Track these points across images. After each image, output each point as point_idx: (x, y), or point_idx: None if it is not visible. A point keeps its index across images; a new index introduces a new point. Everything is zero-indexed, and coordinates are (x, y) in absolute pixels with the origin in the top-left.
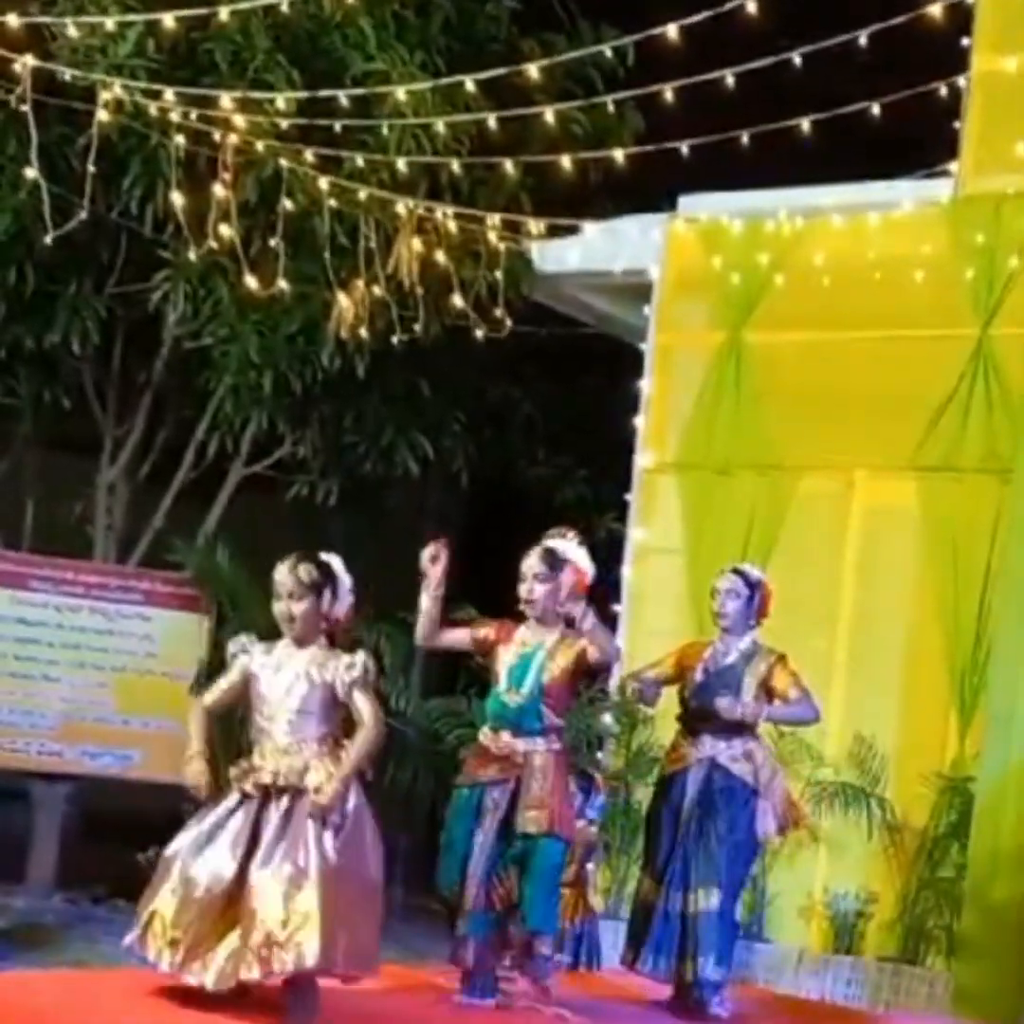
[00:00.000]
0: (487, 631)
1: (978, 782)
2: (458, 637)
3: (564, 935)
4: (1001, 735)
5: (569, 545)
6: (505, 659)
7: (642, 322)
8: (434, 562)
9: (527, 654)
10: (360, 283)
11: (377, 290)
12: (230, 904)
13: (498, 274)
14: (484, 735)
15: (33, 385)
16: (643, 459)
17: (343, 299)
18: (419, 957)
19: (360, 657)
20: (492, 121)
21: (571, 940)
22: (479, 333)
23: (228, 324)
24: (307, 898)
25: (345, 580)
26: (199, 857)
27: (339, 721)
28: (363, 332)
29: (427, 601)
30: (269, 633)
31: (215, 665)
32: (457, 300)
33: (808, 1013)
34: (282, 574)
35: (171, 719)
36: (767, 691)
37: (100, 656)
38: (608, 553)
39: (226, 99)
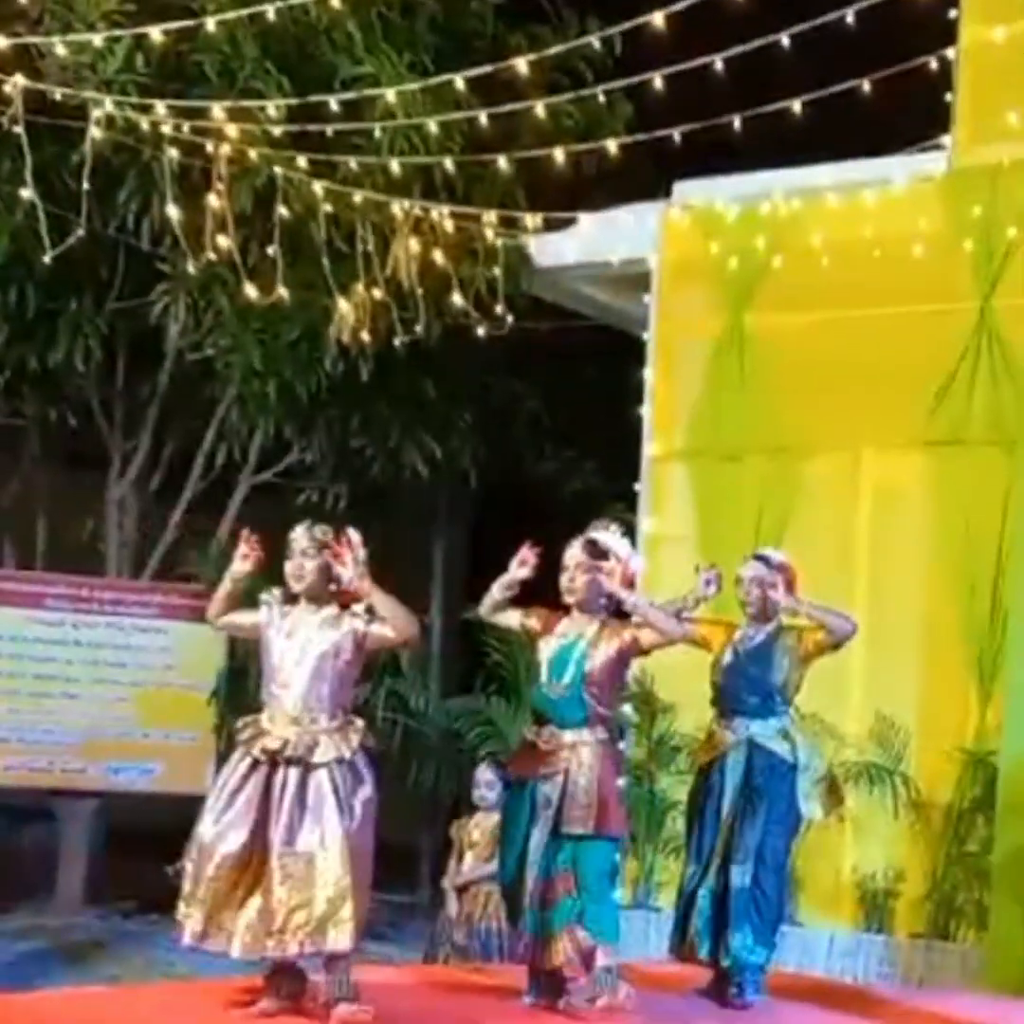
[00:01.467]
0: (534, 621)
1: (1001, 754)
2: (510, 619)
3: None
4: (1022, 706)
5: (612, 537)
6: (545, 652)
7: (643, 311)
8: (521, 565)
9: (567, 645)
10: (359, 287)
11: (377, 293)
12: (245, 873)
13: (497, 270)
14: (530, 730)
15: (39, 405)
16: (650, 448)
17: (343, 303)
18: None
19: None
20: (483, 118)
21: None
22: (480, 331)
23: (230, 334)
24: (339, 880)
25: (360, 551)
26: (214, 828)
27: (351, 695)
28: (365, 335)
29: (497, 592)
30: None
31: (233, 675)
32: (457, 299)
33: (841, 997)
34: (297, 533)
35: (192, 730)
36: (802, 658)
37: (119, 671)
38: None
39: (217, 109)
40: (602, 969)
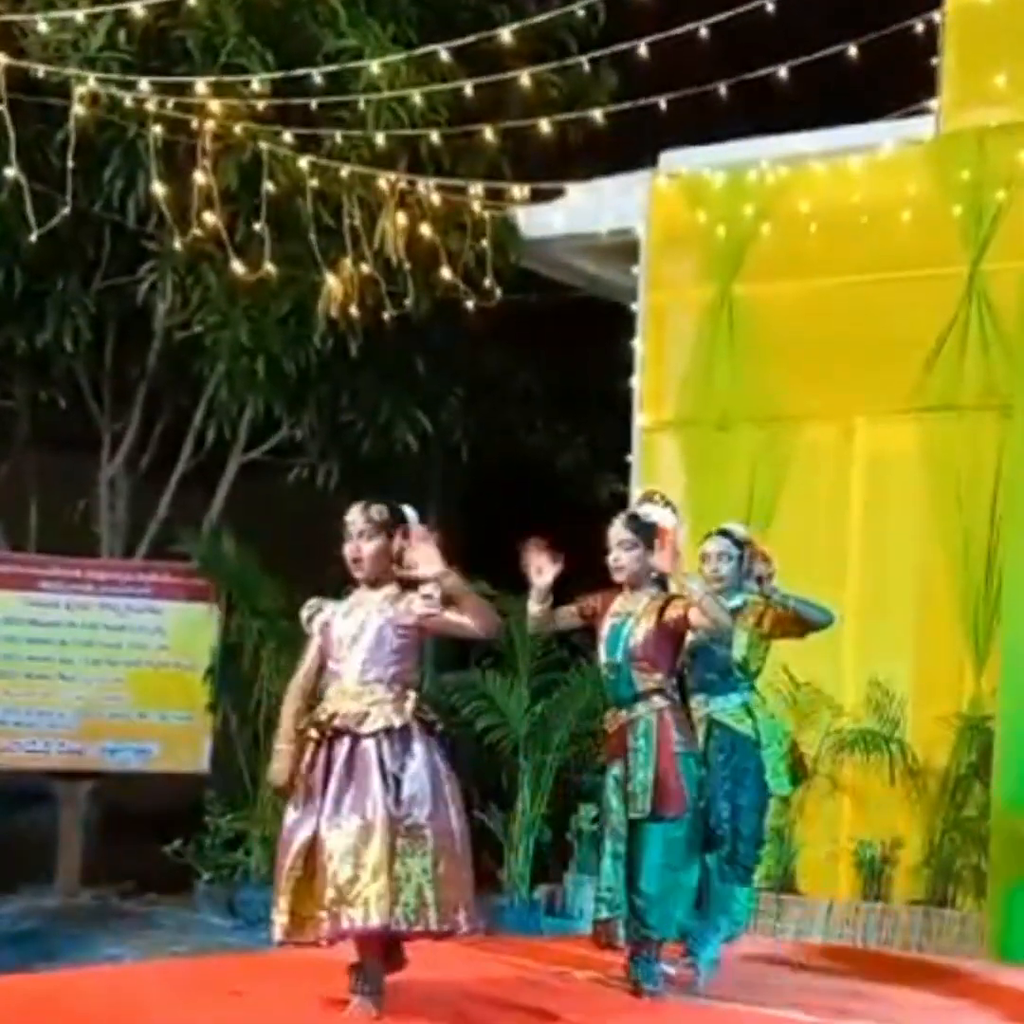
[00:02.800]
0: (593, 602)
1: (997, 719)
2: (568, 618)
3: None
4: (1017, 670)
5: (655, 508)
6: (602, 633)
7: (631, 282)
8: (539, 573)
9: (618, 624)
10: (347, 262)
11: (365, 268)
12: (313, 857)
13: (484, 243)
14: (606, 715)
15: (28, 386)
16: (641, 419)
17: (331, 279)
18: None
19: (428, 587)
20: (468, 89)
21: None
22: (470, 304)
23: (218, 311)
24: (373, 853)
25: (417, 527)
26: (292, 818)
27: (410, 666)
28: (353, 311)
29: (535, 608)
30: (276, 615)
31: (227, 653)
32: (445, 272)
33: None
34: (353, 514)
35: (187, 710)
36: (765, 635)
37: (113, 652)
38: (612, 515)
39: (201, 85)
40: (643, 960)
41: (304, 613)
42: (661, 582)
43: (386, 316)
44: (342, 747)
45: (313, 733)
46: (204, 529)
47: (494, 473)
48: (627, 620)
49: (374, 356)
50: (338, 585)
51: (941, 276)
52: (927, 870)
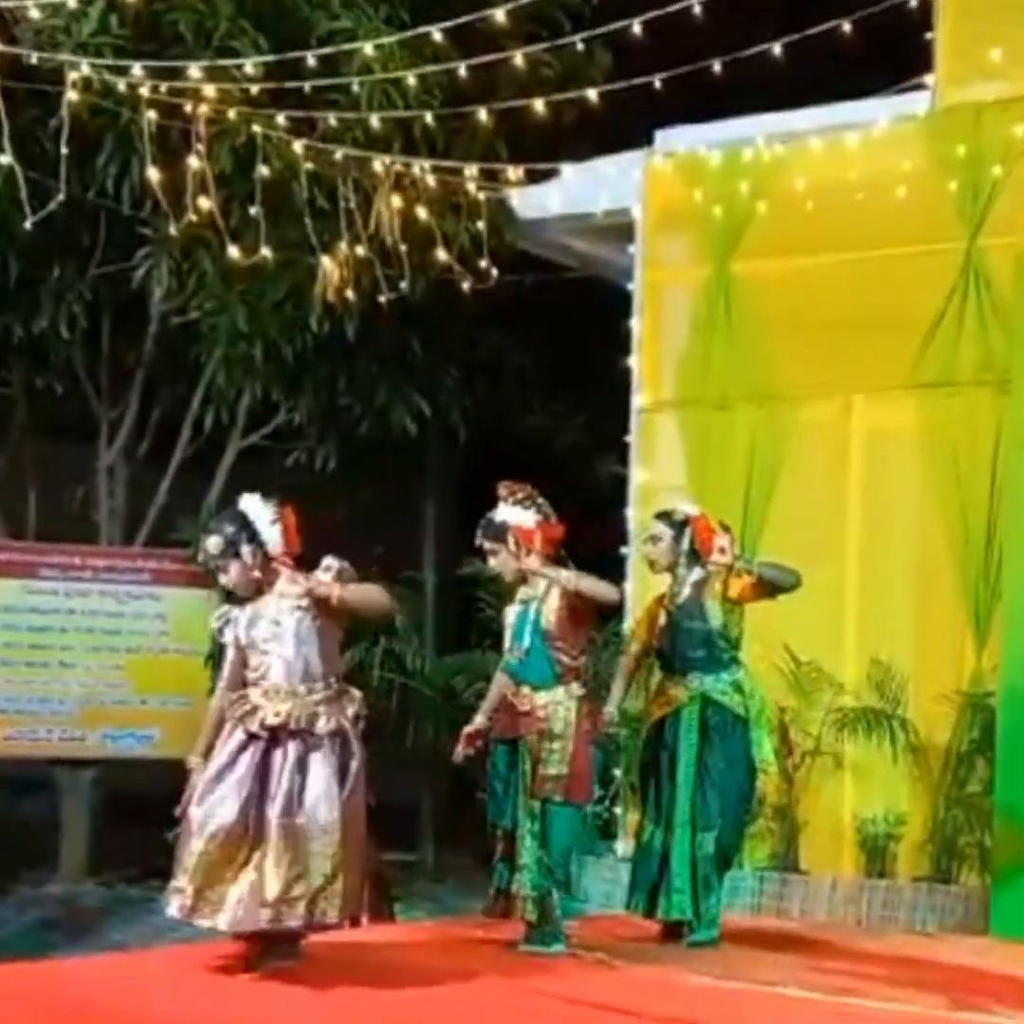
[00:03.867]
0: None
1: (999, 695)
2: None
3: None
4: (1018, 645)
5: (504, 507)
6: (509, 621)
7: (628, 262)
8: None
9: (523, 609)
10: (343, 245)
11: (360, 250)
12: (239, 847)
13: (480, 225)
14: (510, 691)
15: (24, 374)
16: (639, 399)
17: (327, 262)
18: (454, 914)
19: (328, 559)
20: (462, 70)
21: None
22: (465, 286)
23: (214, 296)
24: (335, 854)
25: (261, 514)
26: (205, 802)
27: (341, 664)
28: (350, 294)
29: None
30: None
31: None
32: (441, 254)
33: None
34: (203, 554)
35: (188, 696)
36: (734, 602)
37: (114, 639)
38: (612, 496)
39: (194, 69)
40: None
41: (214, 624)
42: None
43: (382, 299)
44: (291, 748)
45: (260, 731)
46: (203, 515)
47: (492, 454)
48: (531, 603)
49: (371, 339)
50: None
51: (938, 252)
52: (930, 847)
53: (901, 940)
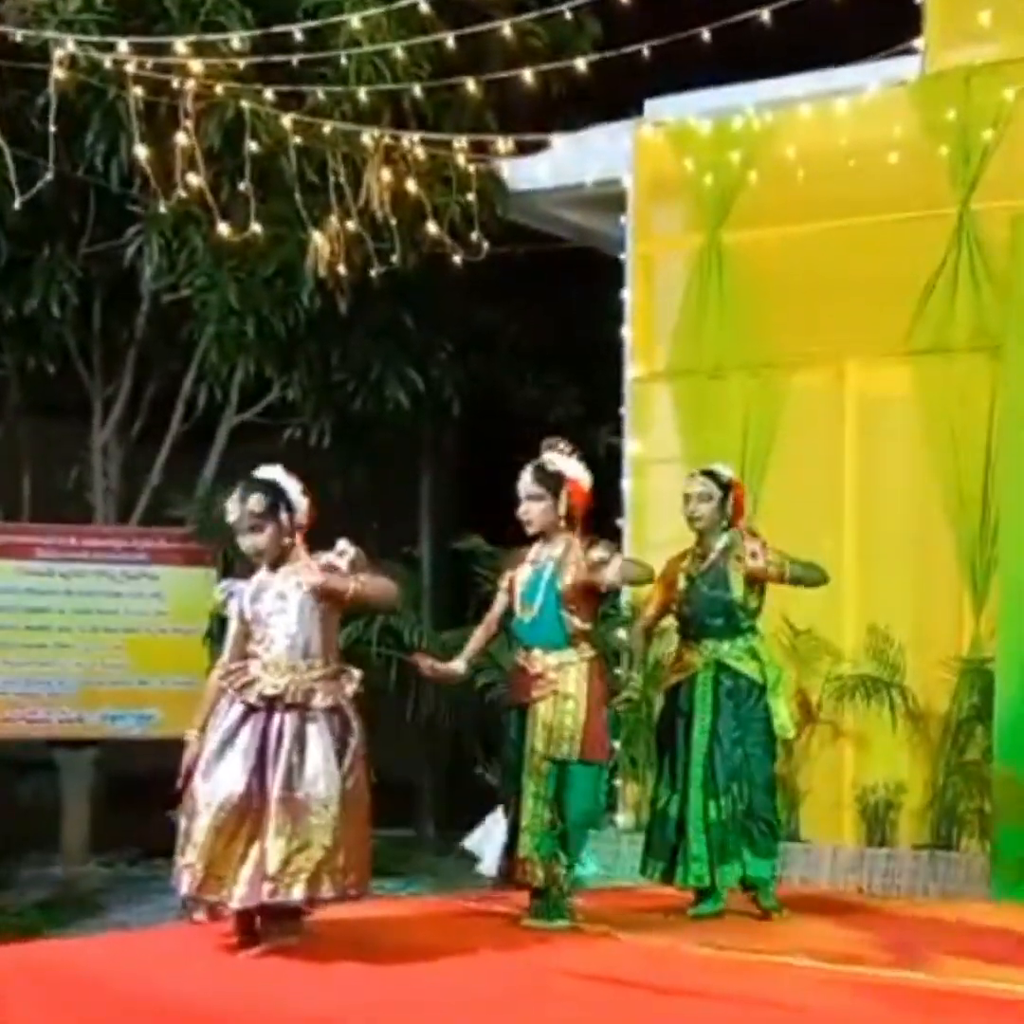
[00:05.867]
0: (507, 573)
1: (997, 661)
2: (496, 611)
3: None
4: (1016, 611)
5: (561, 457)
6: (519, 582)
7: (619, 232)
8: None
9: (537, 570)
10: (333, 219)
11: (351, 225)
12: (245, 821)
13: (470, 197)
14: (517, 654)
15: (16, 354)
16: (633, 370)
17: (318, 237)
18: (455, 889)
19: (342, 543)
20: (450, 41)
21: None
22: (457, 259)
23: (205, 273)
24: (337, 827)
25: (290, 484)
26: (210, 778)
27: (338, 642)
28: (341, 269)
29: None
30: None
31: (225, 617)
32: (432, 227)
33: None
34: (234, 511)
35: (187, 675)
36: (756, 577)
37: (111, 619)
38: (607, 467)
39: (180, 45)
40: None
41: (219, 597)
42: (573, 529)
43: (374, 273)
44: (288, 721)
45: (258, 703)
46: (198, 493)
47: (486, 428)
48: (548, 565)
49: (363, 314)
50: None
51: (930, 217)
52: (931, 814)
53: (903, 907)
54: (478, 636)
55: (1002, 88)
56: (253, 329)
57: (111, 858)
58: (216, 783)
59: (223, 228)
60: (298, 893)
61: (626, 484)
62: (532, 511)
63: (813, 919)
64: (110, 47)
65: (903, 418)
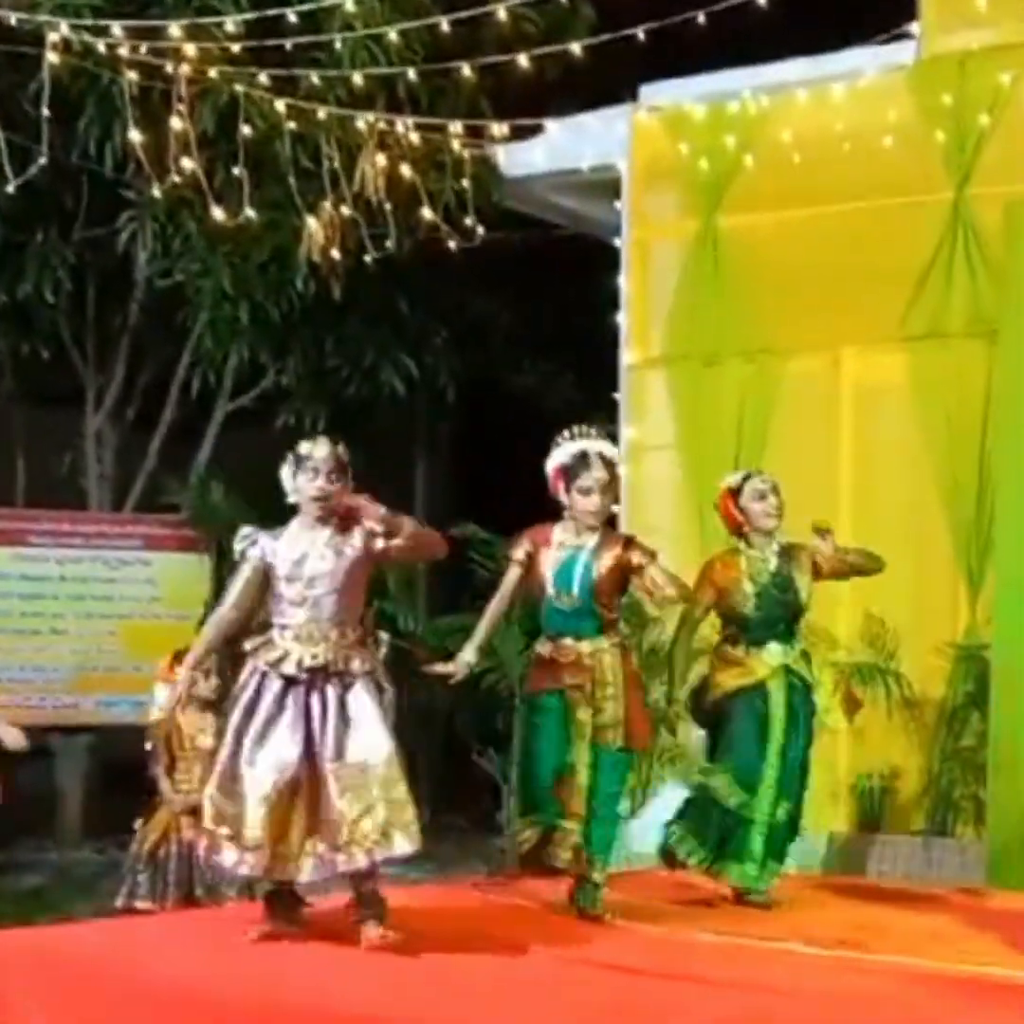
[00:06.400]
0: (525, 547)
1: (993, 648)
2: (509, 584)
3: None
4: (1011, 598)
5: (607, 445)
6: (548, 563)
7: (614, 218)
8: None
9: (570, 558)
10: (327, 204)
11: (345, 210)
12: (301, 796)
13: (465, 182)
14: (543, 645)
15: (10, 340)
16: (628, 356)
17: (312, 222)
18: (453, 875)
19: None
20: (444, 25)
21: None
22: (452, 244)
23: (199, 259)
24: (397, 783)
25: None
26: (260, 754)
27: (364, 605)
28: (335, 254)
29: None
30: None
31: (219, 603)
32: (426, 213)
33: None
34: (325, 452)
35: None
36: (815, 576)
37: (105, 605)
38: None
39: (174, 29)
40: (590, 885)
41: (239, 544)
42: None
43: (368, 259)
44: (330, 690)
45: (298, 673)
46: (192, 479)
47: (481, 414)
48: (579, 553)
49: (357, 300)
50: None
51: (926, 203)
52: (926, 800)
53: (898, 893)
54: (491, 617)
55: (998, 73)
56: (247, 315)
57: (105, 844)
58: (268, 760)
59: (217, 213)
60: (376, 855)
61: (621, 470)
62: (602, 503)
63: (809, 905)
64: (104, 31)
65: (899, 404)
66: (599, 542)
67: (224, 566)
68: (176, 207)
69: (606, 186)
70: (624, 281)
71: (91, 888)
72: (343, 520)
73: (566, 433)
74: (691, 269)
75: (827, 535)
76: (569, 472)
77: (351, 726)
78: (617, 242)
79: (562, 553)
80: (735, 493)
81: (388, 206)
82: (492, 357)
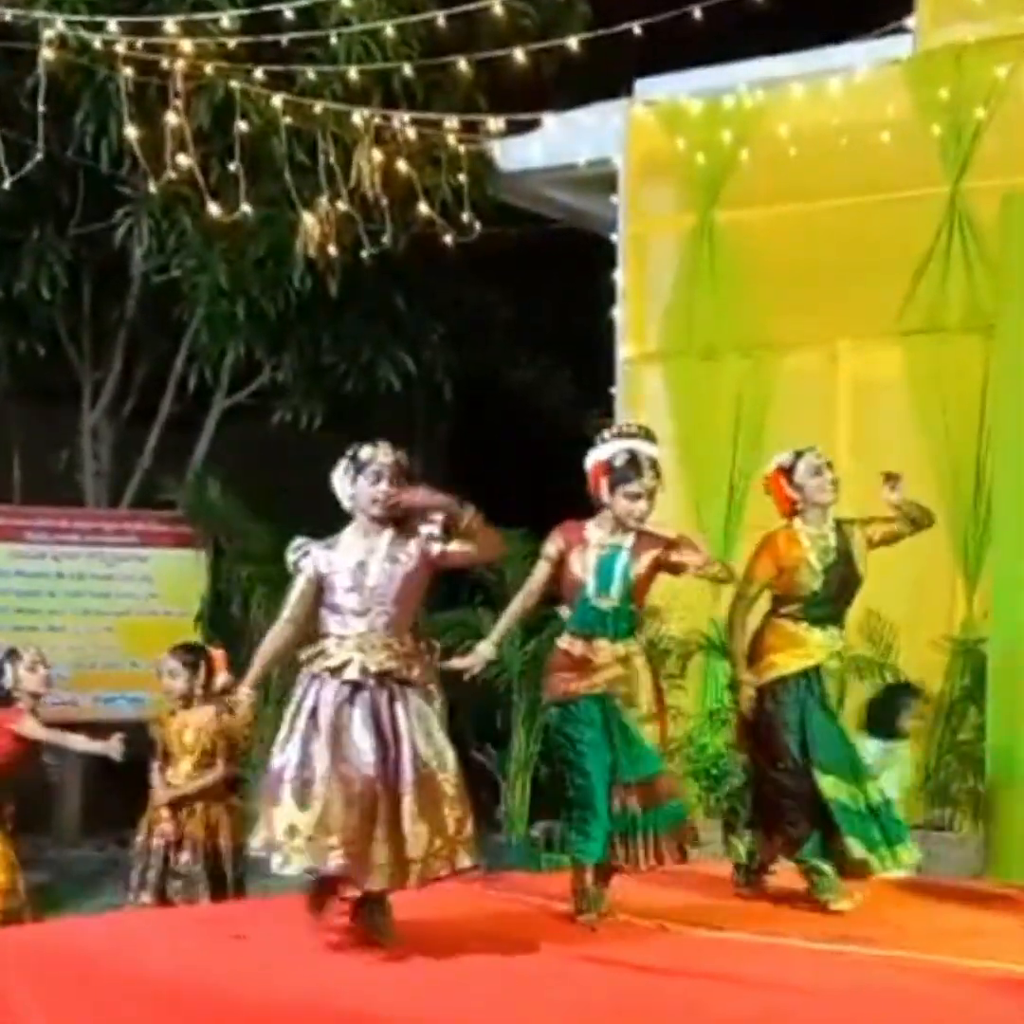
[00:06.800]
0: (557, 544)
1: (990, 642)
2: (538, 580)
3: None
4: (1008, 592)
5: (649, 445)
6: (585, 562)
7: (611, 212)
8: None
9: (608, 557)
10: (324, 200)
11: (342, 206)
12: (380, 803)
13: (461, 177)
14: (572, 644)
15: (6, 336)
16: (624, 351)
17: (308, 218)
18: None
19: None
20: (440, 20)
21: None
22: (448, 240)
23: (195, 254)
24: (461, 799)
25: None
26: (340, 755)
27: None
28: (332, 250)
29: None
30: (265, 560)
31: (216, 599)
32: (423, 208)
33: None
34: (388, 456)
35: None
36: (874, 545)
37: (102, 601)
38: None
39: (170, 25)
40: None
41: (292, 555)
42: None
43: (365, 254)
44: (398, 697)
45: (364, 680)
46: (189, 475)
47: (479, 409)
48: (618, 553)
49: (354, 295)
50: (323, 526)
51: (922, 197)
52: (924, 794)
53: (898, 887)
54: (515, 612)
55: (994, 66)
56: (243, 311)
57: (103, 840)
58: (349, 762)
59: (213, 209)
60: (444, 871)
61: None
62: (649, 508)
63: (807, 899)
64: (99, 27)
65: (896, 399)
66: (636, 542)
67: (221, 562)
68: (172, 203)
69: (602, 181)
70: (621, 276)
71: (90, 884)
72: (400, 524)
73: (610, 430)
74: (688, 264)
75: (897, 483)
76: (614, 472)
77: (420, 736)
78: (614, 237)
79: (601, 553)
80: (788, 471)
81: (384, 201)
82: (489, 352)
